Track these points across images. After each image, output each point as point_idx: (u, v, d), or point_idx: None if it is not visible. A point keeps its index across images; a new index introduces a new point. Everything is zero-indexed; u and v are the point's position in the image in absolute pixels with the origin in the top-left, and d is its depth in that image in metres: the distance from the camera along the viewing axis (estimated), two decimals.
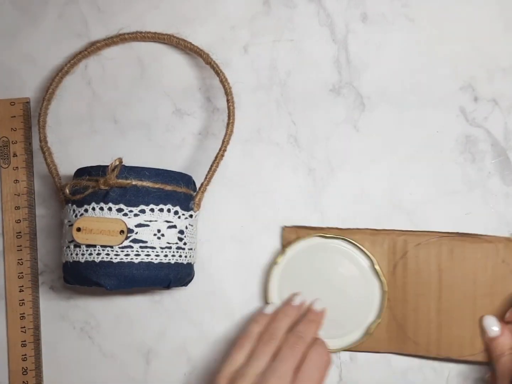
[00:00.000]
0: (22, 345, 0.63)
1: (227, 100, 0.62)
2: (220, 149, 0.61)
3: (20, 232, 0.65)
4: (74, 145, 0.66)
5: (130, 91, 0.66)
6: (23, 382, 0.63)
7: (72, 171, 0.60)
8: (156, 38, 0.65)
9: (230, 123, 0.62)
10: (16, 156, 0.66)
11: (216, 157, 0.62)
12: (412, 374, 0.63)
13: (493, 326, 0.60)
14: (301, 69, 0.66)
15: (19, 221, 0.65)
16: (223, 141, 0.61)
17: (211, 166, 0.62)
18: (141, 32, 0.65)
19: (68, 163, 0.64)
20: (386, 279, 0.62)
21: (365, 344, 0.62)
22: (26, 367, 0.63)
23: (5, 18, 0.67)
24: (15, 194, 0.65)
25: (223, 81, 0.62)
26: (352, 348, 0.62)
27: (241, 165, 0.65)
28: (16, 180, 0.65)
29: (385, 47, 0.66)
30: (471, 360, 0.61)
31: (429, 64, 0.65)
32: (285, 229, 0.64)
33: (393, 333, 0.62)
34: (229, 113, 0.62)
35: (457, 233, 0.62)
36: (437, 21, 0.65)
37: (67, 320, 0.64)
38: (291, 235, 0.63)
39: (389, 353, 0.62)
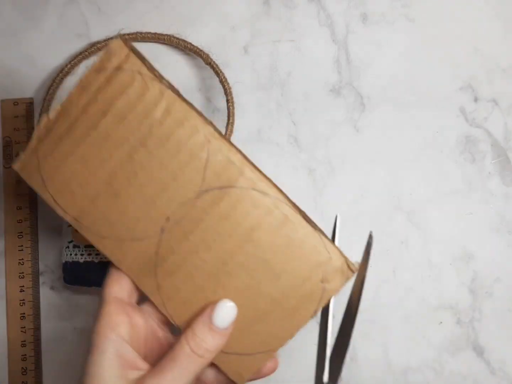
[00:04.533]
0: (22, 345, 0.63)
1: (227, 101, 0.62)
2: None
3: (21, 232, 0.65)
4: None
5: None
6: (23, 382, 0.63)
7: None
8: (156, 39, 0.65)
9: (230, 124, 0.62)
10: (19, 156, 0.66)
11: None
12: (411, 374, 0.63)
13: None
14: (301, 69, 0.66)
15: (20, 221, 0.65)
16: None
17: None
18: (141, 33, 0.65)
19: None
20: None
21: None
22: (26, 367, 0.63)
23: (6, 18, 0.67)
24: (17, 194, 0.65)
25: (223, 82, 0.62)
26: None
27: None
28: (18, 180, 0.65)
29: (385, 47, 0.66)
30: None
31: (429, 64, 0.65)
32: None
33: None
34: (228, 113, 0.62)
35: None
36: (437, 21, 0.65)
37: (67, 320, 0.64)
38: None
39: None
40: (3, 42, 0.67)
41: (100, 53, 0.44)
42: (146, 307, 0.47)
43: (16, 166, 0.47)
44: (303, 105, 0.66)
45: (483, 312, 0.63)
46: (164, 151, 0.45)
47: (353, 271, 0.45)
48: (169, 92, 0.45)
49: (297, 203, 0.45)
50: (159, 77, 0.45)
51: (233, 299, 0.45)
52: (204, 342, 0.43)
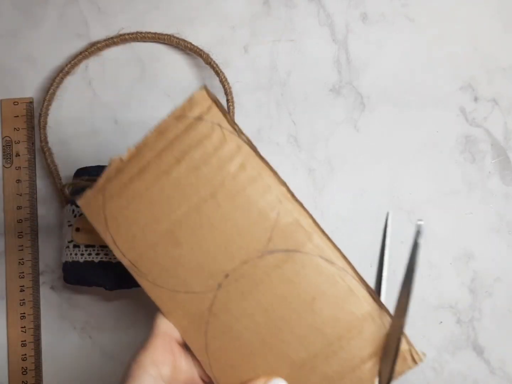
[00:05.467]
0: (22, 345, 0.63)
1: (227, 100, 0.62)
2: None
3: (21, 232, 0.65)
4: (75, 145, 0.66)
5: (131, 91, 0.66)
6: (23, 382, 0.63)
7: (72, 171, 0.60)
8: (156, 39, 0.65)
9: None
10: (19, 156, 0.66)
11: None
12: (411, 373, 0.62)
13: None
14: (301, 69, 0.66)
15: (20, 221, 0.65)
16: None
17: None
18: (141, 33, 0.65)
19: (68, 163, 0.64)
20: None
21: None
22: (26, 367, 0.63)
23: (6, 18, 0.67)
24: (17, 194, 0.65)
25: (223, 81, 0.62)
26: None
27: None
28: (18, 180, 0.65)
29: (385, 47, 0.66)
30: None
31: (429, 64, 0.65)
32: None
33: None
34: (228, 113, 0.62)
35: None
36: (437, 21, 0.65)
37: (67, 320, 0.64)
38: None
39: None
40: (3, 42, 0.67)
41: (183, 101, 0.44)
42: (192, 356, 0.45)
43: (81, 201, 0.47)
44: (303, 105, 0.65)
45: (483, 312, 0.63)
46: (233, 206, 0.44)
47: (416, 362, 0.43)
48: (246, 148, 0.44)
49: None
50: (239, 132, 0.44)
51: (283, 371, 0.43)
52: None
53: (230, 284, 0.44)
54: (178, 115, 0.44)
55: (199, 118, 0.44)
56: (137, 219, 0.45)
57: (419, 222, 0.41)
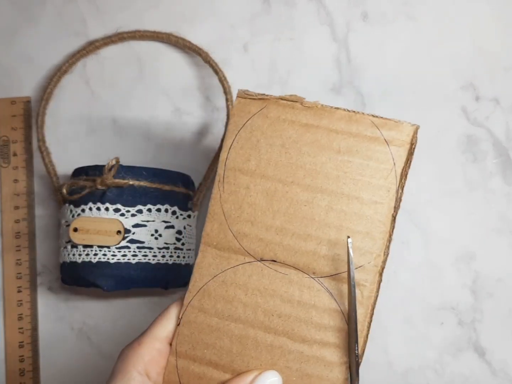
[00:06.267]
0: (20, 346, 0.63)
1: (226, 99, 0.62)
2: (219, 149, 0.61)
3: (19, 232, 0.64)
4: (73, 145, 0.66)
5: (129, 90, 0.66)
6: (20, 383, 0.63)
7: (70, 171, 0.60)
8: (155, 37, 0.65)
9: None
10: (16, 155, 0.65)
11: (215, 157, 0.61)
12: (412, 375, 0.62)
13: None
14: (301, 68, 0.66)
15: (18, 221, 0.65)
16: (222, 140, 0.61)
17: (210, 165, 0.61)
18: (140, 31, 0.65)
19: (66, 163, 0.64)
20: None
21: None
22: (24, 368, 0.63)
23: (4, 16, 0.67)
24: (14, 194, 0.65)
25: (222, 80, 0.62)
26: None
27: None
28: (16, 179, 0.65)
29: (386, 46, 0.65)
30: None
31: (430, 63, 0.65)
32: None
33: None
34: (228, 112, 0.62)
35: None
36: (438, 20, 0.65)
37: (65, 321, 0.64)
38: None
39: None
40: (1, 40, 0.67)
41: (392, 117, 0.44)
42: None
43: (240, 93, 0.45)
44: None
45: (485, 313, 0.63)
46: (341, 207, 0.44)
47: None
48: (391, 203, 0.45)
49: None
50: (400, 188, 0.45)
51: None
52: None
53: (270, 270, 0.44)
54: (376, 123, 0.44)
55: (387, 142, 0.44)
56: (267, 156, 0.44)
57: (348, 240, 0.42)
